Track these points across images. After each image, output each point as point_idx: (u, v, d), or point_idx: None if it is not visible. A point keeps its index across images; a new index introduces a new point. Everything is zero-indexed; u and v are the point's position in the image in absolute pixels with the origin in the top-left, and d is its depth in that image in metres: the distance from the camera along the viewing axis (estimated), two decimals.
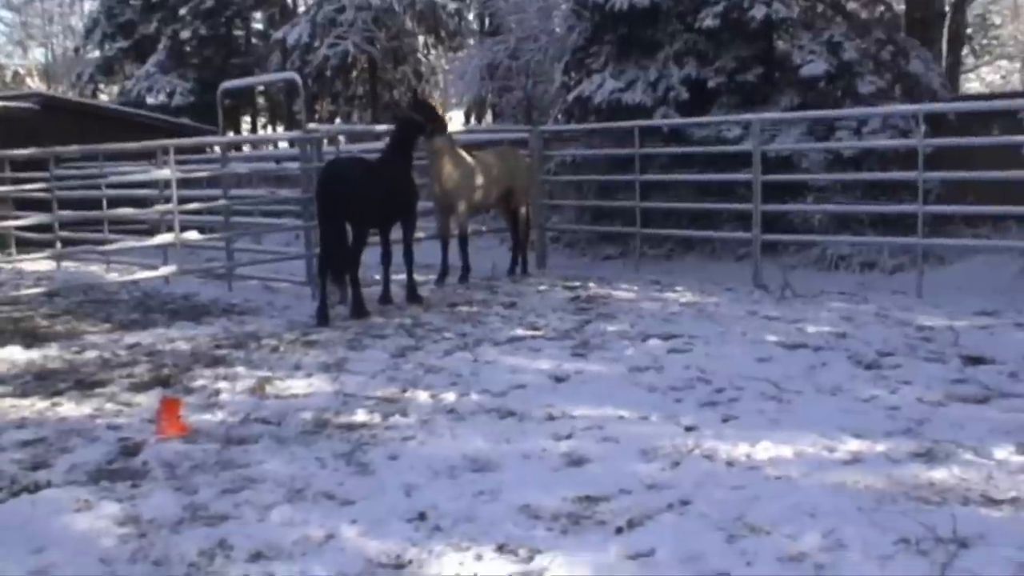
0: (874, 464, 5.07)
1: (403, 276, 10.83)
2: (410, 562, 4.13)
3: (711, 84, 13.98)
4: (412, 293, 10.76)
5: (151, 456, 5.63)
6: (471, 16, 32.10)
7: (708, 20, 13.65)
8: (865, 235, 11.92)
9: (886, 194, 11.93)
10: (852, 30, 13.70)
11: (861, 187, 12.35)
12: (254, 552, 4.26)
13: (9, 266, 14.93)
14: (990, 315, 8.90)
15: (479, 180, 11.84)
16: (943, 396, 6.27)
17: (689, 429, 5.81)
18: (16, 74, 51.66)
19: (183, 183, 12.89)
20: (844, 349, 7.71)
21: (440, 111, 11.40)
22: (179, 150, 13.58)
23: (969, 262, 11.34)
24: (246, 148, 29.18)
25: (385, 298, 10.66)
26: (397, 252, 10.77)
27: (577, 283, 11.81)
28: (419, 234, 11.64)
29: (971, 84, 33.84)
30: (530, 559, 4.11)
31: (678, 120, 13.57)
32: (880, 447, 5.32)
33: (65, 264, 15.33)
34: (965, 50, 23.92)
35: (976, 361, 7.14)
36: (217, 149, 14.95)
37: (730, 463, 5.21)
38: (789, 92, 13.38)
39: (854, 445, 5.36)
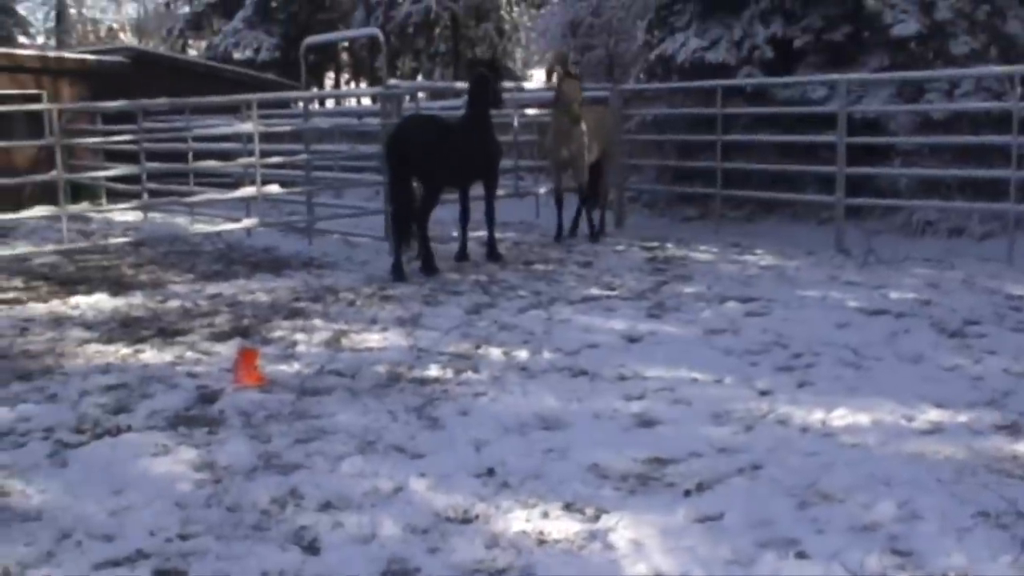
0: (954, 435, 4.95)
1: (481, 233, 10.85)
2: (477, 517, 4.16)
3: (797, 43, 13.64)
4: (492, 251, 10.77)
5: (228, 404, 5.74)
6: None
7: None
8: (953, 200, 11.58)
9: (977, 159, 11.52)
10: None
11: (951, 151, 11.96)
12: (324, 501, 4.33)
13: (99, 215, 15.29)
14: None
15: (589, 140, 11.79)
16: None
17: (764, 393, 5.74)
18: (110, 29, 52.72)
19: (266, 137, 13.03)
20: (928, 316, 7.53)
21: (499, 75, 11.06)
22: (262, 104, 13.71)
23: None
24: (329, 103, 29.40)
25: (462, 255, 10.69)
26: (476, 210, 10.77)
27: (655, 244, 11.71)
28: (499, 192, 11.60)
29: None
30: (596, 518, 4.10)
31: (762, 79, 13.28)
32: (961, 417, 5.19)
33: (152, 215, 15.63)
34: None
35: None
36: (300, 104, 15.04)
37: (804, 429, 5.13)
38: (878, 52, 12.96)
39: (934, 415, 5.25)
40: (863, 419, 5.20)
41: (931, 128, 11.94)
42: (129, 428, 5.39)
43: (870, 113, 12.23)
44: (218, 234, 12.74)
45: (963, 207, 11.31)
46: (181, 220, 15.00)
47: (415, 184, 10.13)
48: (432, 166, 9.89)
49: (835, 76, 11.59)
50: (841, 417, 5.24)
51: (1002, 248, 10.08)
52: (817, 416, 5.28)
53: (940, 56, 12.45)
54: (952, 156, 11.90)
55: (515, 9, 32.76)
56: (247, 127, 12.77)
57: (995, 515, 3.98)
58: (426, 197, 10.12)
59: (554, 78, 12.09)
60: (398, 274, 9.77)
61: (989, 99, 11.51)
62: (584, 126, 11.55)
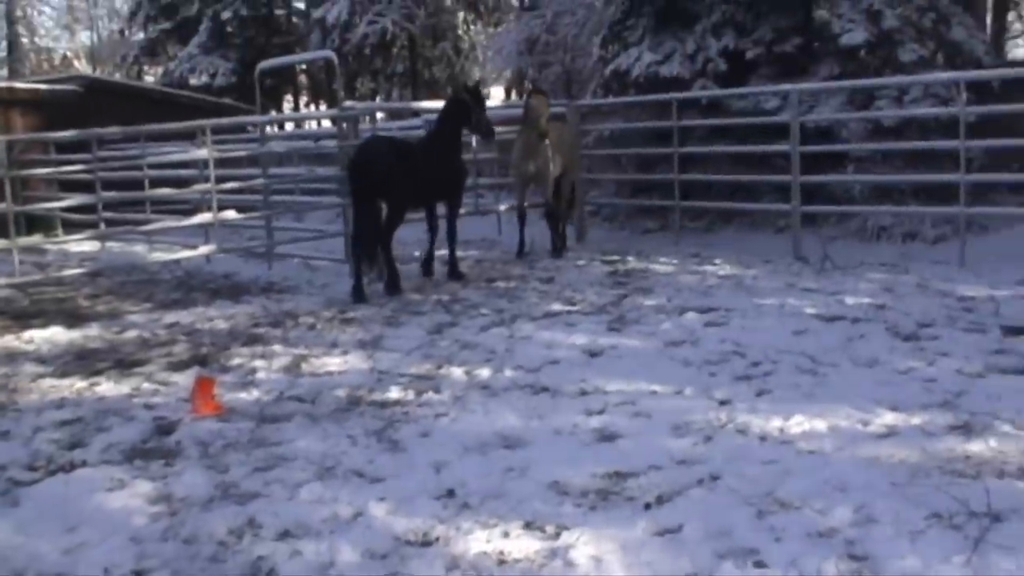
0: (909, 437, 5.00)
1: (443, 252, 10.87)
2: (437, 539, 4.14)
3: (749, 55, 13.79)
4: (453, 270, 10.79)
5: (185, 435, 5.68)
6: None
7: None
8: (907, 205, 11.73)
9: (927, 164, 11.69)
10: None
11: (902, 157, 12.13)
12: (282, 530, 4.29)
13: (55, 247, 15.13)
14: None
15: (553, 154, 11.82)
16: (982, 368, 6.17)
17: (723, 403, 5.77)
18: (64, 57, 52.36)
19: (224, 163, 12.96)
20: (883, 321, 7.60)
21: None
22: (218, 130, 13.66)
23: (1013, 231, 11.11)
24: (289, 126, 29.33)
25: (427, 268, 10.76)
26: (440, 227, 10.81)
27: (616, 257, 11.76)
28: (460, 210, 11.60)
29: (1019, 51, 33.00)
30: (557, 536, 4.10)
31: (716, 91, 13.42)
32: (916, 420, 5.25)
33: (109, 244, 15.44)
34: (1011, 16, 23.30)
35: (1017, 332, 7.00)
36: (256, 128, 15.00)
37: (763, 437, 5.16)
38: (828, 62, 13.15)
39: (889, 418, 5.30)
40: (820, 425, 5.24)
41: (882, 135, 12.11)
42: (84, 463, 5.31)
43: (822, 121, 12.38)
44: (177, 262, 12.62)
45: (915, 211, 11.48)
46: (139, 249, 14.86)
47: (379, 205, 10.11)
48: (393, 187, 9.88)
49: (787, 86, 11.73)
50: (799, 424, 5.27)
51: (954, 251, 10.23)
52: (775, 424, 5.31)
53: (888, 64, 12.64)
54: (903, 162, 12.08)
55: (471, 28, 32.88)
56: (202, 153, 12.70)
57: (948, 516, 4.02)
58: (390, 217, 10.11)
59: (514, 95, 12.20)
60: (358, 296, 9.74)
61: (937, 105, 11.71)
62: (548, 141, 11.60)
